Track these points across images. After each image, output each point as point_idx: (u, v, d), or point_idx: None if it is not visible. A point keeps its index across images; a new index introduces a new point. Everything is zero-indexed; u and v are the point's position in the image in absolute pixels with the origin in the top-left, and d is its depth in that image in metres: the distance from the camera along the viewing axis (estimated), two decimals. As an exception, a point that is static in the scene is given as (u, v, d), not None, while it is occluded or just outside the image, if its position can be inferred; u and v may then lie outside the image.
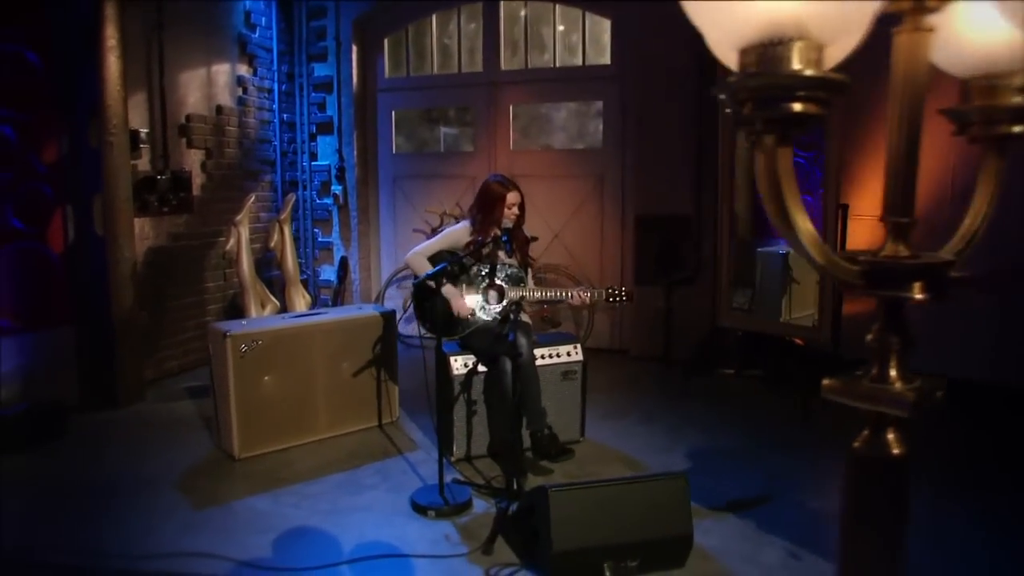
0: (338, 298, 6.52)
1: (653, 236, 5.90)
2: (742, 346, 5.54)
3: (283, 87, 6.44)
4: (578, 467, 3.67)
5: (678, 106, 5.67)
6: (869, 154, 5.04)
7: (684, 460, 3.85)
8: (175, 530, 3.07)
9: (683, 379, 5.28)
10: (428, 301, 3.73)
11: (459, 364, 3.70)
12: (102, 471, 3.71)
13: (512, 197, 3.73)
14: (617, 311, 6.06)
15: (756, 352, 5.52)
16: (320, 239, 6.67)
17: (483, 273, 3.85)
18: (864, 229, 5.03)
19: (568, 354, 3.95)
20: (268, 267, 6.10)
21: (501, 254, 3.81)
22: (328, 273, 6.67)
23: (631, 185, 5.96)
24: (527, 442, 3.71)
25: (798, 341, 5.41)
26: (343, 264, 6.60)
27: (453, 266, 3.61)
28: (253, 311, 4.82)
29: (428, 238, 6.62)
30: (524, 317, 3.79)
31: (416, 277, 3.80)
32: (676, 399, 4.88)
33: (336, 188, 6.52)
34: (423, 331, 3.89)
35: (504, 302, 3.75)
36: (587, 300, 3.60)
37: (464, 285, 3.87)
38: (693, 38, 0.86)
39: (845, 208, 4.52)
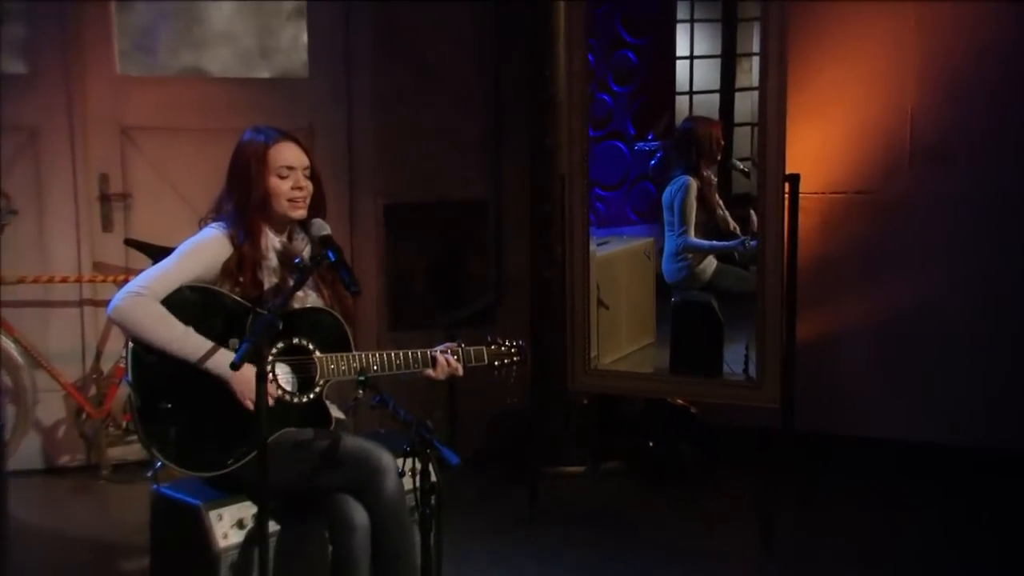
0: None
1: (415, 239, 3.79)
2: (589, 422, 3.41)
3: None
4: None
5: (458, 9, 3.56)
6: (810, 110, 3.31)
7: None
8: None
9: (529, 492, 3.04)
10: (168, 397, 1.91)
11: (225, 525, 2.02)
12: None
13: (283, 153, 2.09)
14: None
15: (613, 431, 3.44)
16: None
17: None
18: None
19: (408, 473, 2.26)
20: None
21: (307, 288, 2.09)
22: None
23: (368, 148, 3.70)
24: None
25: (685, 405, 3.40)
26: None
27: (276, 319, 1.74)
28: None
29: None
30: (336, 411, 2.08)
31: (133, 348, 1.89)
32: (533, 528, 2.89)
33: None
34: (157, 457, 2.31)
35: (321, 382, 2.04)
36: (458, 368, 2.14)
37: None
38: None
39: (795, 180, 2.69)
